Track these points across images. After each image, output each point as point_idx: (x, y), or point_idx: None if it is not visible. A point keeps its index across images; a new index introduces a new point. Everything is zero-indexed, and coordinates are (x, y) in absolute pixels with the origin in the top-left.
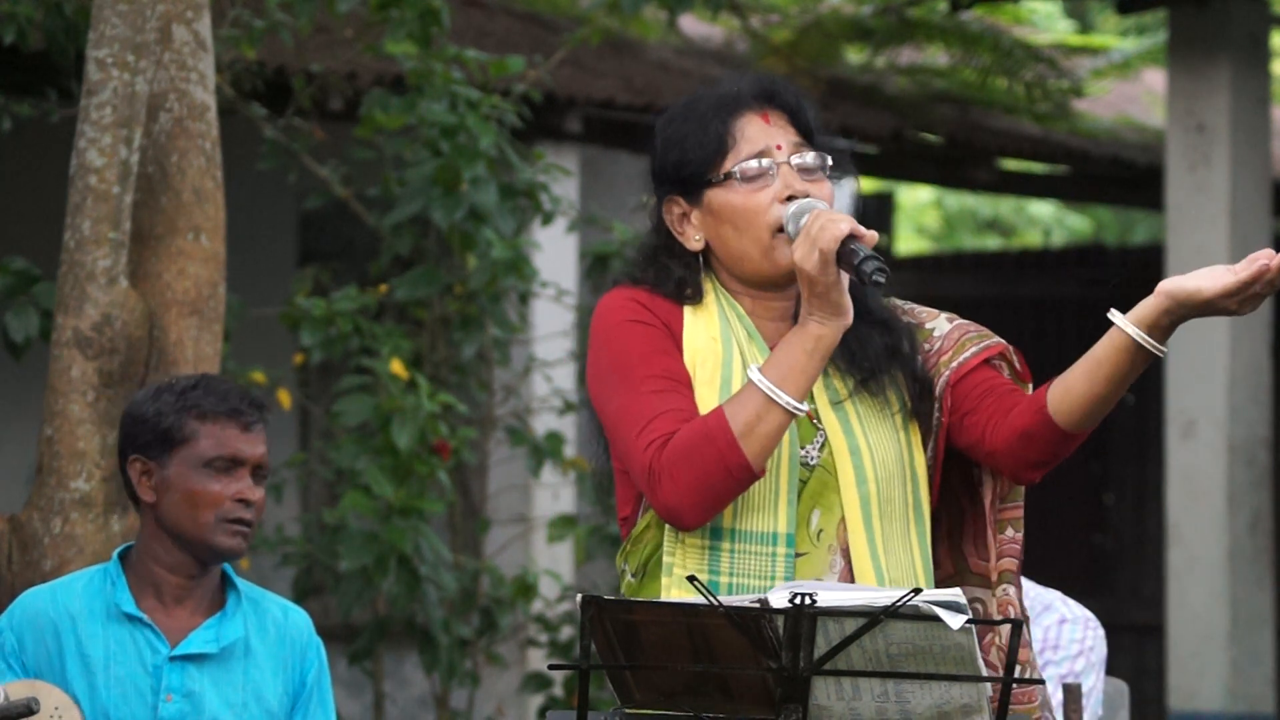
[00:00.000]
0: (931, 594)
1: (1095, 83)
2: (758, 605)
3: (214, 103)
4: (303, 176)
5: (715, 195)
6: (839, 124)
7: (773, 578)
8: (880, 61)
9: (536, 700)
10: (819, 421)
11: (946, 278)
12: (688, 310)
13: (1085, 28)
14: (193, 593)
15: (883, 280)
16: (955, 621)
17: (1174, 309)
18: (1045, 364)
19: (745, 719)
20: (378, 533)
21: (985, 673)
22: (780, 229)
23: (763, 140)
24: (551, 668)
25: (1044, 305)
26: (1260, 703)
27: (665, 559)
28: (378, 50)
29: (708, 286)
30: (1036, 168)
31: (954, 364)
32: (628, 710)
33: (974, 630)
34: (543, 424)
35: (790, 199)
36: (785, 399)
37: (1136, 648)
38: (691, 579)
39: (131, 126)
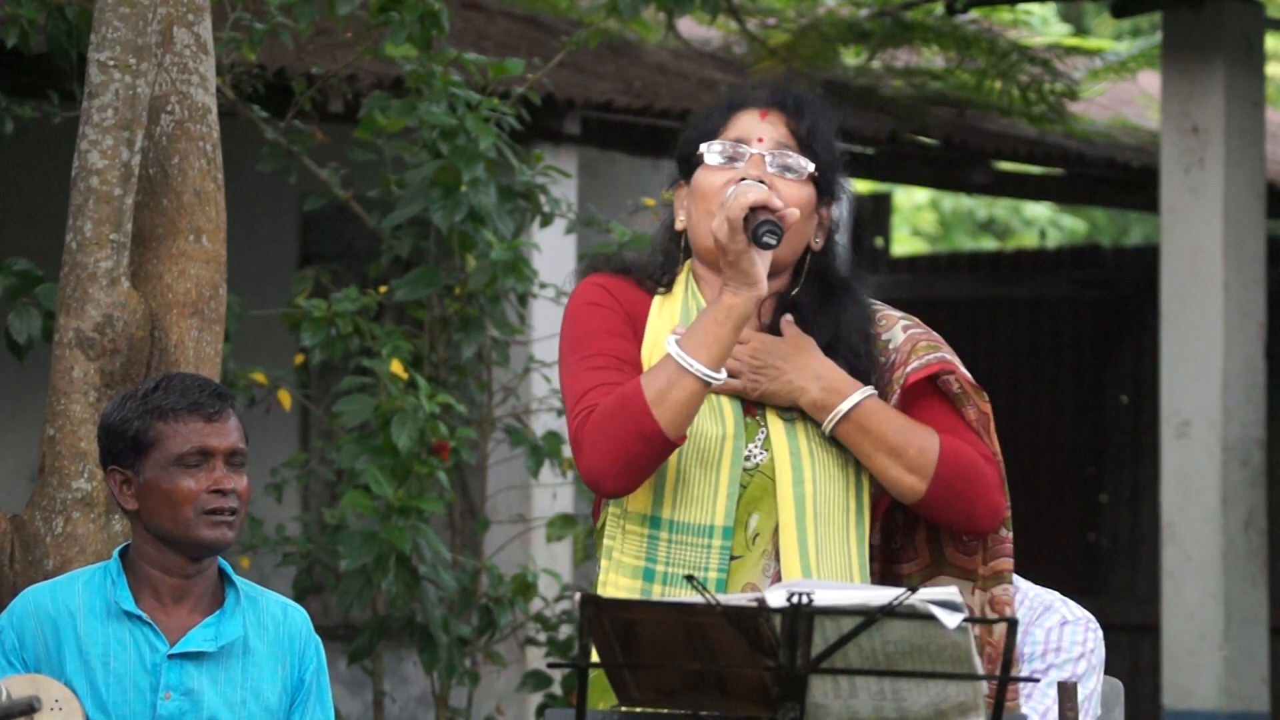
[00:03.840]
0: (928, 592)
1: (1090, 85)
2: (755, 604)
3: (215, 105)
4: (303, 178)
5: (698, 175)
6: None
7: (707, 569)
8: (877, 64)
9: (535, 699)
10: (763, 421)
11: (942, 279)
12: (656, 300)
13: (1081, 30)
14: (190, 591)
15: (772, 243)
16: (951, 620)
17: None
18: (1041, 364)
19: (743, 717)
20: (377, 532)
21: (981, 671)
22: None
23: (748, 131)
24: (550, 666)
25: (1039, 306)
26: (1254, 701)
27: (606, 543)
28: (378, 53)
29: (681, 277)
30: (1032, 169)
31: (903, 378)
32: (626, 709)
33: (970, 629)
34: (542, 424)
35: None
36: (696, 366)
37: (1131, 647)
38: (690, 578)
39: (133, 129)
